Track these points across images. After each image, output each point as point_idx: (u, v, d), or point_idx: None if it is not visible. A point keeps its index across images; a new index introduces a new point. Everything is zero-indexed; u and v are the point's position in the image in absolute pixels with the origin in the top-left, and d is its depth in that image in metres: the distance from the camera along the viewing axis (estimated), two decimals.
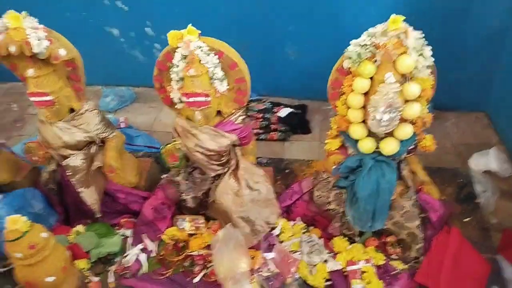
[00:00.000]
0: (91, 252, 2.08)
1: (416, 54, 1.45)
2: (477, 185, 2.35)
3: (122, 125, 3.05)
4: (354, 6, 2.76)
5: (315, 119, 3.16)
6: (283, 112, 3.13)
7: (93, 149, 2.03)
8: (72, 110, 1.95)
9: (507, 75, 2.79)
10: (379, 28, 1.48)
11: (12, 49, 1.63)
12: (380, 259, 1.90)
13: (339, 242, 1.95)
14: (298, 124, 3.06)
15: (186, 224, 2.13)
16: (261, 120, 3.06)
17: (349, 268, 1.86)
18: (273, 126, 3.01)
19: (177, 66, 1.68)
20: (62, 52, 1.69)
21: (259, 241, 2.00)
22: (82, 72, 1.86)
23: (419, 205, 1.85)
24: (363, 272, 1.85)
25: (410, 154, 1.82)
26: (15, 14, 1.62)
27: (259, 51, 2.94)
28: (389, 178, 1.68)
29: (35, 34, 1.62)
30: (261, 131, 2.98)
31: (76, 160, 1.96)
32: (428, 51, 1.47)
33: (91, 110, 1.97)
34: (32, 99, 1.81)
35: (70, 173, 1.97)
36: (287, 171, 2.46)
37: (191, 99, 1.69)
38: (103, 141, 2.07)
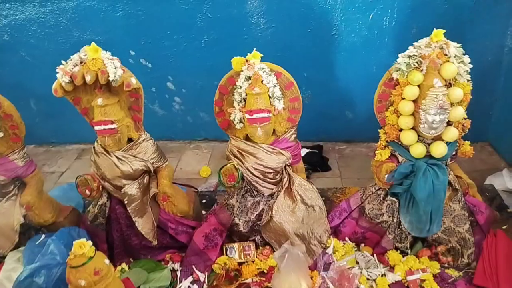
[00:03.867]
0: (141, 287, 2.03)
1: (457, 62, 1.68)
2: None
3: None
4: (362, 53, 3.08)
5: (332, 157, 3.31)
6: (302, 152, 3.28)
7: (146, 179, 2.08)
8: (129, 140, 2.03)
9: (503, 106, 3.10)
10: (423, 41, 1.72)
11: (88, 78, 1.75)
12: (436, 267, 1.95)
13: (394, 255, 2.00)
14: (317, 162, 3.20)
15: (236, 252, 2.14)
16: None
17: (409, 278, 1.89)
18: None
19: (241, 87, 1.85)
20: (133, 80, 1.82)
21: (315, 261, 2.02)
22: (142, 103, 1.97)
23: (467, 208, 1.96)
24: (422, 281, 1.89)
25: (452, 161, 1.98)
26: (95, 46, 1.75)
27: None
28: (442, 179, 1.81)
29: (111, 63, 1.76)
30: None
31: (132, 188, 2.00)
32: (467, 58, 1.70)
33: (148, 140, 2.05)
34: (97, 128, 1.88)
35: (127, 202, 1.99)
36: (323, 198, 2.54)
37: (254, 116, 1.82)
38: (154, 172, 2.13)
